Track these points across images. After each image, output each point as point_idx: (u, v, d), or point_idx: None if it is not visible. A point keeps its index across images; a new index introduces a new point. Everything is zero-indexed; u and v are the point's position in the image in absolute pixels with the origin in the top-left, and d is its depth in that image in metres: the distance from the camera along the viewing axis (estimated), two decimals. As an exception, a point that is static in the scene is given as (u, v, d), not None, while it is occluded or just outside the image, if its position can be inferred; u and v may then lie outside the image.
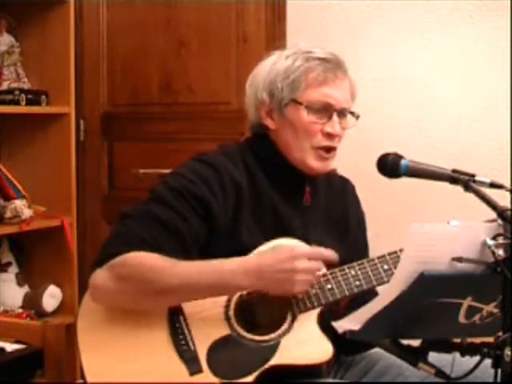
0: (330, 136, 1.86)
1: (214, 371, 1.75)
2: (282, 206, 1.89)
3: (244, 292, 1.80)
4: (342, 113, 1.88)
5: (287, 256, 1.72)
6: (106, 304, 1.79)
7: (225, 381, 1.75)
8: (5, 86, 3.27)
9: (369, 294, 1.72)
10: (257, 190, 1.87)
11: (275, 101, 1.88)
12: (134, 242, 1.75)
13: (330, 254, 1.76)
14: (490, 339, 1.45)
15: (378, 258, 1.82)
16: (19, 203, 3.17)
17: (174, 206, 1.79)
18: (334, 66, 1.86)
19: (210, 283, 1.73)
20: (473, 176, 1.58)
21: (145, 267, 1.73)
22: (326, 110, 1.86)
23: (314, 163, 1.88)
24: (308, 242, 1.86)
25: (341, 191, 2.04)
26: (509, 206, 1.46)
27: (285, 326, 1.79)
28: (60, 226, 3.27)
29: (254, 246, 1.82)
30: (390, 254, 1.82)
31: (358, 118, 1.91)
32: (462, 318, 1.45)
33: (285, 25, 3.25)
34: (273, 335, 1.78)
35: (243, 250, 1.81)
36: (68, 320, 2.89)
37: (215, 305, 1.79)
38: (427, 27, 3.06)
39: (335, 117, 1.86)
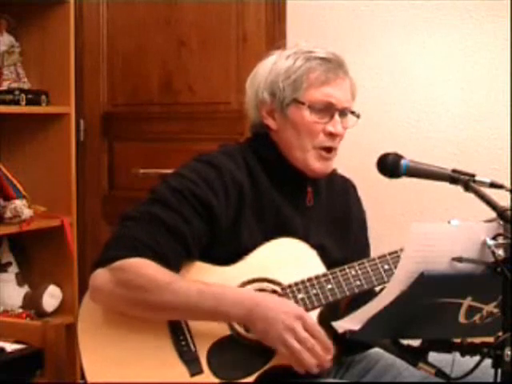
0: (331, 136, 1.87)
1: (215, 372, 1.75)
2: (283, 206, 1.89)
3: None
4: (343, 112, 1.88)
5: (293, 312, 1.69)
6: (105, 305, 1.78)
7: (225, 381, 1.75)
8: (5, 85, 3.26)
9: (369, 295, 1.72)
10: (258, 191, 1.87)
11: (277, 101, 1.88)
12: (136, 246, 1.75)
13: (329, 348, 1.69)
14: (490, 339, 1.45)
15: (379, 257, 1.82)
16: (19, 203, 3.16)
17: (175, 208, 1.79)
18: (335, 65, 1.86)
19: (207, 308, 1.71)
20: (473, 176, 1.58)
21: (145, 277, 1.73)
22: (327, 109, 1.86)
23: (316, 164, 1.87)
24: (309, 241, 1.87)
25: (342, 191, 2.04)
26: (509, 205, 1.46)
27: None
28: (60, 225, 3.27)
29: (254, 246, 1.82)
30: (390, 254, 1.82)
31: (358, 117, 1.91)
32: (462, 318, 1.45)
33: (285, 25, 3.25)
34: (273, 335, 1.78)
35: (243, 250, 1.81)
36: (68, 320, 2.89)
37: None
38: (427, 27, 3.06)
39: (337, 116, 1.86)
